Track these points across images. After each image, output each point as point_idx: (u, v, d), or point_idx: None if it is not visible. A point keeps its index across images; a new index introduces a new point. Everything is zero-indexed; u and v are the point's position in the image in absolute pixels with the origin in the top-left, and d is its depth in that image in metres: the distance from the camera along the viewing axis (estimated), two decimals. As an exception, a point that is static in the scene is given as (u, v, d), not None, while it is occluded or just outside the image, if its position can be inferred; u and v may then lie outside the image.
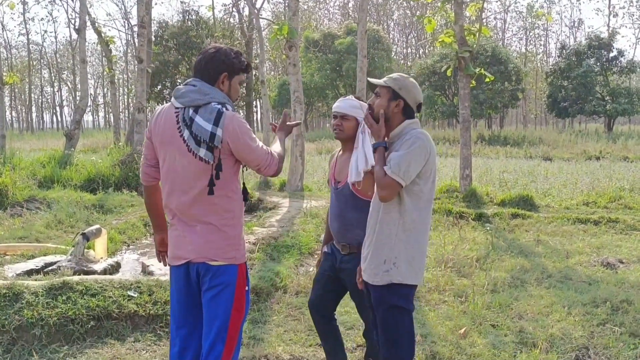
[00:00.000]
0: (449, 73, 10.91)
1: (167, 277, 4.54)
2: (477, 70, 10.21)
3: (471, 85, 10.28)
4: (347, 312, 4.38)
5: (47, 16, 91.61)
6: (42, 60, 58.17)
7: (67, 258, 5.43)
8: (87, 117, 68.46)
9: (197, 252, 2.54)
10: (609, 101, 33.92)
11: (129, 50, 54.43)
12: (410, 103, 2.64)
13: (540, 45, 62.86)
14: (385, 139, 2.64)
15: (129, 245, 7.16)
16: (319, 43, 36.09)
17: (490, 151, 22.31)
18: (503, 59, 32.55)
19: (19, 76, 21.32)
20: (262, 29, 16.75)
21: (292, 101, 11.24)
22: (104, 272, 5.35)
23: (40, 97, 68.29)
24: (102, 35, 20.06)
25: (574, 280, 5.43)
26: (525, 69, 39.22)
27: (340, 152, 3.17)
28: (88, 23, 17.32)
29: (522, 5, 68.63)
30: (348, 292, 3.21)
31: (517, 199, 9.35)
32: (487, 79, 10.51)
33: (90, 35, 21.01)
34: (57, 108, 64.39)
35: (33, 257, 5.73)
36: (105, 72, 28.56)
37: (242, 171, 2.65)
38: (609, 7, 53.83)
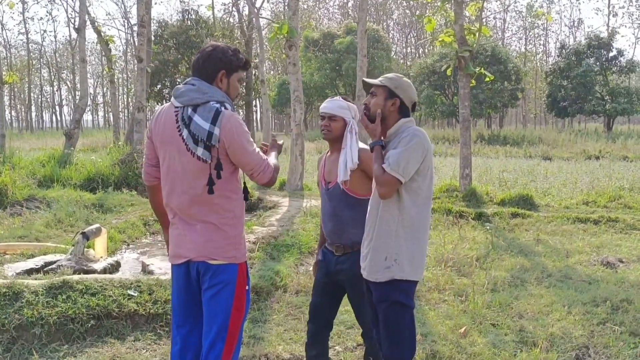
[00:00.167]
0: (449, 72, 10.92)
1: (167, 277, 4.57)
2: (477, 69, 10.21)
3: (471, 84, 10.28)
4: (347, 311, 4.36)
5: (46, 15, 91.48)
6: (41, 60, 58.13)
7: (67, 257, 5.42)
8: (87, 117, 68.46)
9: (197, 251, 2.54)
10: (609, 101, 33.94)
11: (128, 50, 54.43)
12: (406, 102, 2.68)
13: (540, 44, 62.90)
14: (382, 138, 2.67)
15: (128, 245, 7.15)
16: (318, 42, 36.10)
17: (490, 151, 22.32)
18: (503, 58, 32.58)
19: (19, 75, 21.31)
20: (262, 28, 16.75)
21: (292, 100, 11.24)
22: (104, 271, 5.34)
23: (39, 96, 68.28)
24: (102, 34, 20.06)
25: (574, 280, 5.43)
26: (524, 68, 39.28)
27: (329, 153, 3.18)
28: (88, 22, 17.32)
29: (521, 5, 68.67)
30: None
31: (517, 198, 9.35)
32: (487, 79, 10.52)
33: (90, 34, 21.06)
34: (57, 107, 64.40)
35: (33, 256, 5.72)
36: (104, 72, 28.58)
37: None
38: (608, 7, 53.93)
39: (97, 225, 6.21)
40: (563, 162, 17.21)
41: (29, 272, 5.01)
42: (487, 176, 12.46)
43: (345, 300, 3.20)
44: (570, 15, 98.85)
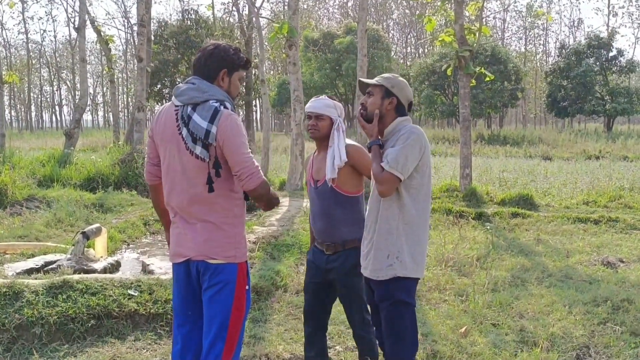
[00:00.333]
0: (449, 72, 10.93)
1: (167, 276, 4.56)
2: (477, 69, 10.21)
3: (471, 84, 10.28)
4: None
5: (46, 15, 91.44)
6: (41, 59, 58.13)
7: (67, 257, 5.42)
8: (87, 116, 68.42)
9: (197, 250, 2.54)
10: (609, 101, 33.95)
11: (128, 49, 54.43)
12: (403, 101, 2.70)
13: (540, 44, 62.90)
14: (379, 137, 2.68)
15: (129, 244, 7.15)
16: (318, 42, 36.12)
17: (490, 150, 22.32)
18: (502, 58, 32.58)
19: (18, 75, 21.28)
20: (262, 28, 16.74)
21: (292, 100, 11.25)
22: (104, 270, 5.34)
23: (39, 96, 68.26)
24: (102, 34, 20.04)
25: (575, 280, 5.43)
26: (524, 68, 39.27)
27: (316, 152, 3.18)
28: (87, 22, 17.30)
29: (521, 5, 68.61)
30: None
31: (517, 198, 9.36)
32: (487, 78, 10.53)
33: (90, 34, 21.01)
34: (57, 107, 64.39)
35: (33, 256, 5.72)
36: (104, 71, 28.56)
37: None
38: (608, 7, 53.90)
39: (97, 225, 6.20)
40: (563, 162, 17.22)
41: (29, 271, 5.00)
42: (487, 176, 12.47)
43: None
44: (570, 15, 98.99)
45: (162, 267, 5.34)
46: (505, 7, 51.80)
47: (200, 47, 2.66)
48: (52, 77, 59.18)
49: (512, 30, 63.77)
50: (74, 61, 48.92)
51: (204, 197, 2.51)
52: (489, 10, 45.43)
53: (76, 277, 4.34)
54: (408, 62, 55.08)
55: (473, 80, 10.40)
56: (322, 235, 3.07)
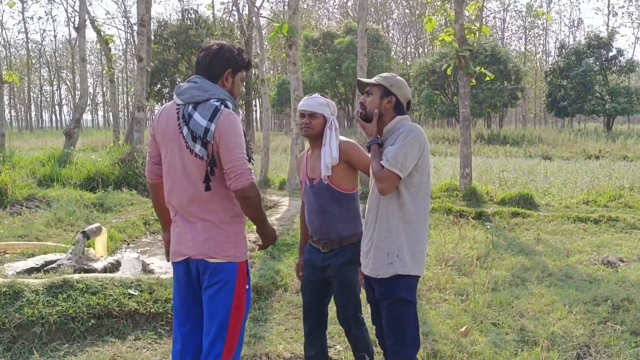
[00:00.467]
0: (449, 72, 10.93)
1: (167, 276, 4.56)
2: (477, 69, 10.21)
3: (471, 84, 10.28)
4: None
5: (46, 14, 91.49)
6: (41, 59, 58.13)
7: (67, 256, 5.42)
8: (87, 116, 68.42)
9: (197, 249, 2.54)
10: (608, 100, 33.95)
11: (128, 49, 54.43)
12: (401, 99, 2.72)
13: (540, 44, 62.91)
14: (378, 136, 2.70)
15: (129, 244, 7.15)
16: (318, 42, 36.11)
17: (490, 150, 22.32)
18: (502, 58, 32.56)
19: (18, 75, 21.27)
20: (262, 27, 16.74)
21: (291, 100, 11.24)
22: (104, 270, 5.34)
23: (39, 95, 68.28)
24: (102, 33, 20.04)
25: (575, 279, 5.43)
26: (524, 68, 39.23)
27: (310, 151, 3.18)
28: (87, 21, 17.30)
29: (521, 5, 68.56)
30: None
31: (517, 197, 9.36)
32: (487, 78, 10.53)
33: (90, 33, 20.99)
34: (57, 107, 64.39)
35: (33, 255, 5.72)
36: (104, 71, 28.54)
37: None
38: (608, 7, 53.85)
39: (98, 224, 6.20)
40: (563, 162, 17.22)
41: (30, 271, 5.01)
42: (487, 176, 12.46)
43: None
44: (570, 15, 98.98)
45: (162, 267, 5.34)
46: (505, 7, 51.83)
47: (202, 47, 2.65)
48: (52, 76, 59.18)
49: (512, 30, 63.84)
50: (74, 61, 48.92)
51: (203, 196, 2.50)
52: (489, 10, 45.44)
53: (76, 276, 4.34)
54: (408, 62, 55.08)
55: (473, 80, 10.40)
56: (318, 233, 3.07)
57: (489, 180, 11.74)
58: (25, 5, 46.21)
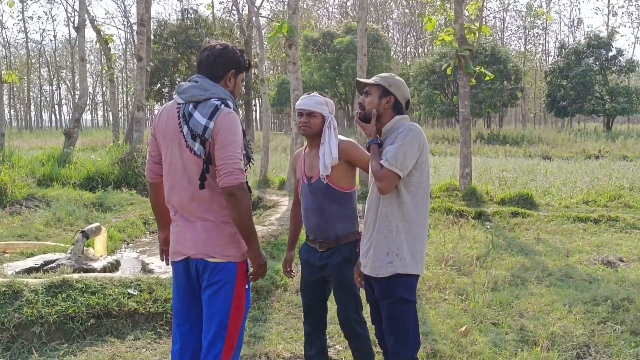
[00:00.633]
0: (448, 72, 10.93)
1: (167, 275, 4.56)
2: (477, 68, 10.21)
3: (471, 83, 10.28)
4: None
5: (45, 14, 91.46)
6: (41, 59, 58.12)
7: (66, 256, 5.42)
8: (86, 116, 68.42)
9: (196, 248, 2.53)
10: (608, 100, 33.96)
11: (128, 49, 54.44)
12: (400, 99, 2.73)
13: (540, 44, 62.92)
14: (378, 136, 2.70)
15: (128, 244, 7.15)
16: (318, 42, 36.10)
17: (490, 150, 22.31)
18: (502, 58, 32.56)
19: (18, 75, 21.24)
20: (262, 27, 16.74)
21: (291, 100, 11.23)
22: (104, 270, 5.34)
23: (39, 95, 68.28)
24: (101, 33, 20.03)
25: (575, 279, 5.43)
26: (524, 68, 39.25)
27: (307, 149, 3.17)
28: (87, 21, 17.29)
29: (521, 5, 68.59)
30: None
31: (517, 197, 9.35)
32: (487, 77, 10.54)
33: (90, 33, 20.95)
34: (56, 106, 64.38)
35: (32, 255, 5.72)
36: (104, 71, 28.51)
37: (245, 169, 2.63)
38: (608, 7, 53.74)
39: (97, 224, 6.20)
40: (563, 162, 17.21)
41: (29, 270, 5.00)
42: (487, 175, 12.46)
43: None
44: (570, 15, 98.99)
45: (162, 266, 5.33)
46: (505, 6, 51.84)
47: (205, 46, 2.65)
48: (52, 76, 59.17)
49: (511, 29, 63.81)
50: (74, 60, 48.92)
51: (203, 195, 2.50)
52: (489, 10, 45.47)
53: (76, 276, 4.33)
54: (408, 62, 55.09)
55: (473, 80, 10.40)
56: (315, 232, 3.07)
57: (489, 180, 11.73)
58: (25, 4, 46.19)
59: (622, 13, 77.06)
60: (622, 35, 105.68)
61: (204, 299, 2.55)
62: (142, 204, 9.05)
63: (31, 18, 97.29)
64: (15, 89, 57.34)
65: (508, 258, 6.14)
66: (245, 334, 3.88)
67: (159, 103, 33.05)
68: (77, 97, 28.23)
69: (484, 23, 11.73)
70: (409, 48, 61.82)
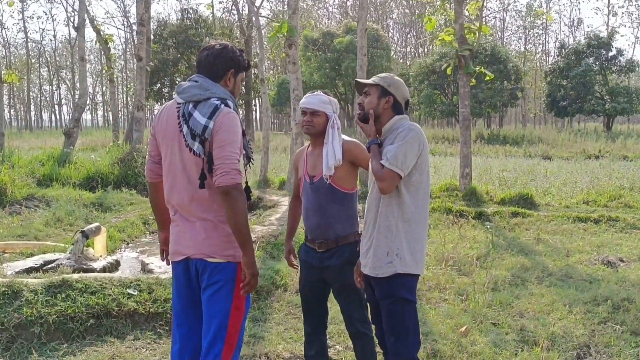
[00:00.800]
0: (449, 71, 10.93)
1: (167, 275, 4.55)
2: (477, 68, 10.21)
3: (471, 83, 10.28)
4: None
5: (45, 14, 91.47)
6: (40, 59, 58.11)
7: (66, 256, 5.41)
8: (86, 116, 68.42)
9: (196, 248, 2.53)
10: (608, 100, 33.96)
11: (128, 49, 54.43)
12: (399, 99, 2.73)
13: (540, 44, 62.91)
14: (377, 136, 2.70)
15: (128, 244, 7.14)
16: (318, 42, 36.08)
17: (490, 150, 22.31)
18: (502, 58, 32.56)
19: (18, 74, 21.22)
20: (262, 27, 16.73)
21: (291, 100, 11.22)
22: (104, 270, 5.33)
23: (39, 95, 68.27)
24: (101, 33, 20.02)
25: (575, 279, 5.42)
26: (524, 68, 39.24)
27: (310, 148, 3.16)
28: (87, 21, 17.28)
29: (521, 5, 68.63)
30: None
31: (517, 197, 9.35)
32: (487, 77, 10.53)
33: (89, 33, 20.94)
34: (56, 106, 64.38)
35: (32, 255, 5.71)
36: (104, 71, 28.51)
37: (245, 169, 2.62)
38: (608, 7, 53.76)
39: (97, 224, 6.20)
40: (563, 162, 17.21)
41: (29, 270, 5.00)
42: (487, 175, 12.46)
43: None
44: (570, 15, 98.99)
45: (162, 266, 5.33)
46: (505, 6, 51.83)
47: (204, 46, 2.64)
48: (52, 76, 59.16)
49: (511, 29, 63.79)
50: (74, 60, 48.88)
51: (203, 195, 2.49)
52: (489, 10, 45.45)
53: (75, 276, 4.33)
54: (408, 62, 55.09)
55: (473, 80, 10.40)
56: (315, 232, 3.05)
57: (489, 180, 11.73)
58: (24, 4, 46.19)
59: (622, 13, 77.18)
60: (622, 35, 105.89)
61: (204, 299, 2.55)
62: (142, 204, 9.04)
63: (31, 18, 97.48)
64: (15, 88, 57.33)
65: (508, 258, 6.14)
66: (245, 334, 3.87)
67: (159, 103, 33.04)
68: (77, 97, 28.20)
69: (484, 23, 11.72)
70: (409, 48, 61.84)
